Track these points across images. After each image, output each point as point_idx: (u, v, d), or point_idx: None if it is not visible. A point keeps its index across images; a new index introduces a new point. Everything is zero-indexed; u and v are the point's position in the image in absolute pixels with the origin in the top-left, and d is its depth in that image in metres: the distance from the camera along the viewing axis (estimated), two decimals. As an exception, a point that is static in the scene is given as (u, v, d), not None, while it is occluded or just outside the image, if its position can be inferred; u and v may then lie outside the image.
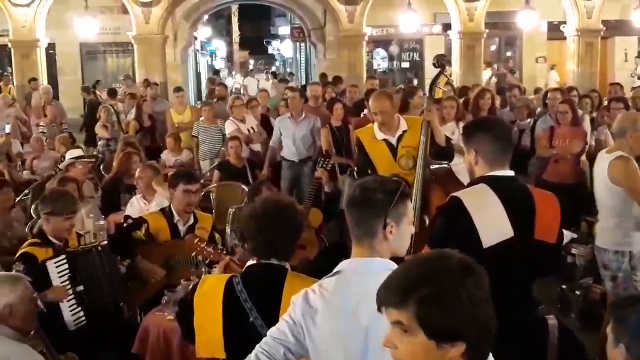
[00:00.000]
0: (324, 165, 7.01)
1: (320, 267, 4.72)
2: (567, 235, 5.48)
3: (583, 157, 8.19)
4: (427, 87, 5.97)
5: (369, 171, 5.71)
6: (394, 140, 5.75)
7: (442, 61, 5.71)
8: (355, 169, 6.38)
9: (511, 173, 3.46)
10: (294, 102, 9.26)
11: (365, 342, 2.46)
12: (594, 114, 9.79)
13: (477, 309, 1.75)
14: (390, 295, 1.80)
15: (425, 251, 3.43)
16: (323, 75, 19.75)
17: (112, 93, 15.53)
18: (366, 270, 2.54)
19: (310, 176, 8.94)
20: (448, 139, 5.75)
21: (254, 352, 2.62)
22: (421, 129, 5.45)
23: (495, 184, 3.38)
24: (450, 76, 5.67)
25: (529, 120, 8.90)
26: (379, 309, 1.83)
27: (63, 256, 4.99)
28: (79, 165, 7.62)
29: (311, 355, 2.59)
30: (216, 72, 32.83)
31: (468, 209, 3.32)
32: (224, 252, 4.74)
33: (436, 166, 5.57)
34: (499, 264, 3.23)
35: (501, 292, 2.26)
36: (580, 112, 8.51)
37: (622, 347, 2.10)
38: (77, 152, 8.15)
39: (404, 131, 5.75)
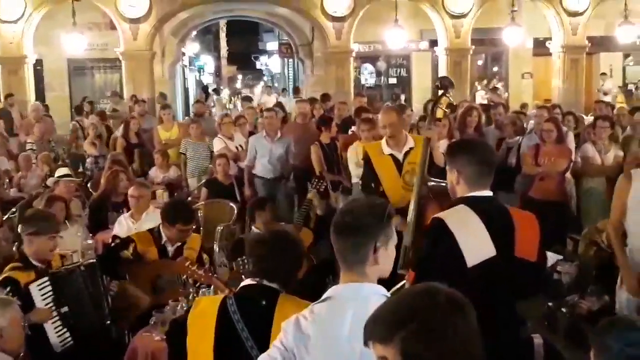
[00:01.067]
0: (317, 186, 7.02)
1: (309, 285, 4.75)
2: (552, 257, 5.52)
3: (568, 175, 8.26)
4: (414, 104, 6.07)
5: (373, 185, 5.91)
6: (400, 156, 5.96)
7: (444, 83, 5.77)
8: (360, 182, 6.52)
9: (490, 194, 3.50)
10: (272, 121, 9.31)
11: None
12: (579, 130, 9.90)
13: (465, 346, 1.73)
14: (376, 330, 1.78)
15: (410, 274, 3.46)
16: (297, 90, 19.72)
17: (79, 111, 15.63)
18: (357, 296, 2.54)
19: (284, 194, 9.04)
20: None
21: None
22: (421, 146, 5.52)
23: (474, 204, 3.42)
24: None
25: (517, 137, 8.94)
26: (366, 344, 1.82)
27: (46, 278, 4.93)
28: (62, 185, 7.59)
29: None
30: (205, 87, 32.79)
31: (451, 229, 3.34)
32: (215, 274, 4.77)
33: (434, 183, 5.63)
34: (483, 283, 3.27)
35: (486, 312, 2.28)
36: (564, 129, 8.59)
37: None
38: (64, 171, 8.12)
39: (411, 148, 5.94)
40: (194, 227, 6.01)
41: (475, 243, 3.35)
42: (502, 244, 3.38)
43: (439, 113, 6.49)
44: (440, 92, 5.75)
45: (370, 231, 2.58)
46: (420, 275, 3.31)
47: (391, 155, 5.98)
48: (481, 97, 17.50)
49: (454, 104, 10.56)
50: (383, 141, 6.09)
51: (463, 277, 3.15)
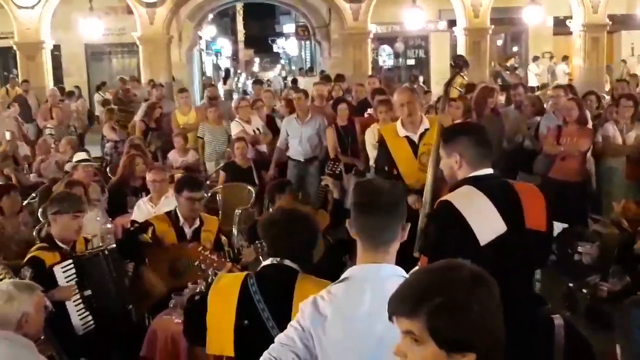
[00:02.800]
0: (333, 169, 6.96)
1: (326, 265, 4.76)
2: (558, 226, 5.49)
3: (588, 155, 8.16)
4: (433, 85, 6.02)
5: (386, 168, 5.89)
6: (415, 138, 5.92)
7: (459, 62, 5.71)
8: (374, 164, 6.50)
9: (491, 171, 3.51)
10: (301, 102, 9.28)
11: (379, 350, 2.45)
12: (600, 110, 9.77)
13: (488, 320, 1.75)
14: (402, 304, 1.79)
15: (423, 259, 3.45)
16: (322, 72, 19.66)
17: (69, 95, 15.85)
18: (377, 277, 2.54)
19: (316, 175, 8.99)
20: None
21: (262, 358, 2.62)
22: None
23: (478, 183, 3.43)
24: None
25: (537, 118, 8.84)
26: (390, 319, 1.83)
27: (70, 261, 4.99)
28: (80, 169, 7.63)
29: None
30: (227, 70, 32.73)
31: (460, 210, 3.34)
32: (228, 259, 4.78)
33: None
34: (497, 260, 3.24)
35: (504, 289, 2.25)
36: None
37: (617, 348, 2.10)
38: (82, 155, 8.16)
39: (426, 129, 5.90)
40: (204, 195, 6.00)
41: (485, 221, 3.35)
42: (512, 218, 3.37)
43: (454, 93, 6.42)
44: (455, 71, 5.69)
45: (401, 209, 2.64)
46: (433, 259, 3.28)
47: (407, 137, 5.94)
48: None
49: (472, 83, 10.47)
50: (398, 123, 6.04)
51: (477, 256, 3.13)
